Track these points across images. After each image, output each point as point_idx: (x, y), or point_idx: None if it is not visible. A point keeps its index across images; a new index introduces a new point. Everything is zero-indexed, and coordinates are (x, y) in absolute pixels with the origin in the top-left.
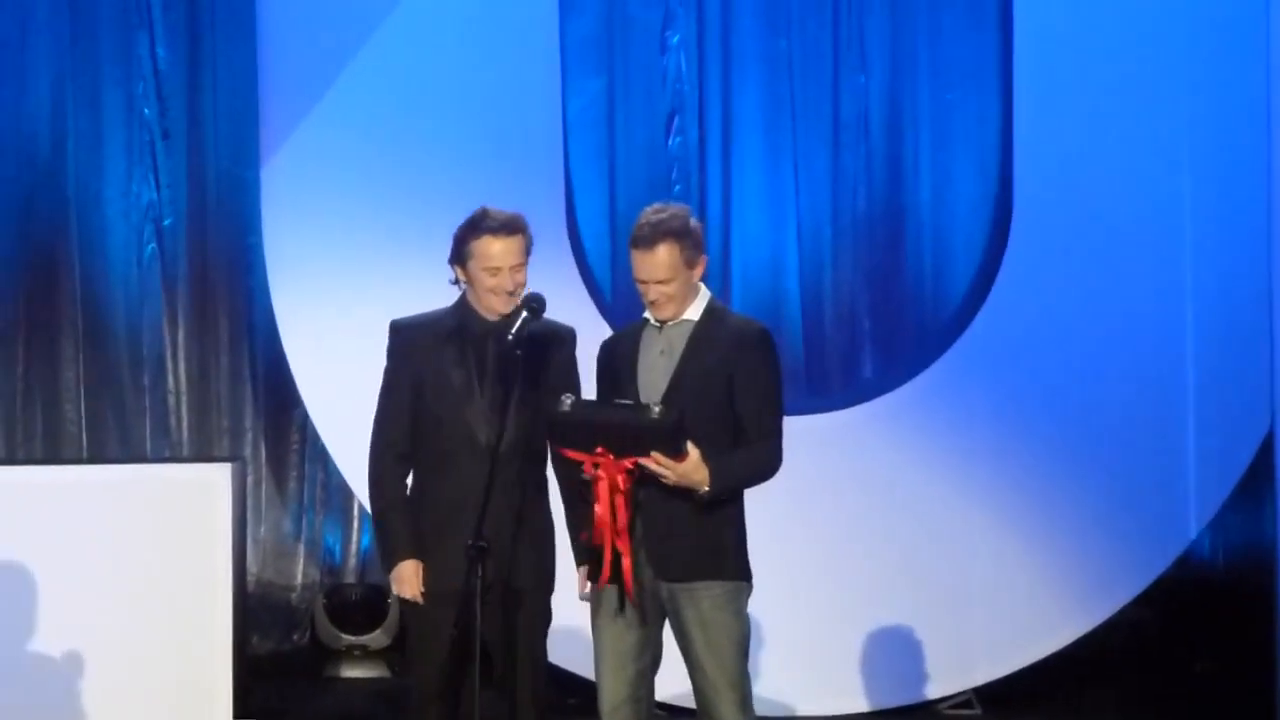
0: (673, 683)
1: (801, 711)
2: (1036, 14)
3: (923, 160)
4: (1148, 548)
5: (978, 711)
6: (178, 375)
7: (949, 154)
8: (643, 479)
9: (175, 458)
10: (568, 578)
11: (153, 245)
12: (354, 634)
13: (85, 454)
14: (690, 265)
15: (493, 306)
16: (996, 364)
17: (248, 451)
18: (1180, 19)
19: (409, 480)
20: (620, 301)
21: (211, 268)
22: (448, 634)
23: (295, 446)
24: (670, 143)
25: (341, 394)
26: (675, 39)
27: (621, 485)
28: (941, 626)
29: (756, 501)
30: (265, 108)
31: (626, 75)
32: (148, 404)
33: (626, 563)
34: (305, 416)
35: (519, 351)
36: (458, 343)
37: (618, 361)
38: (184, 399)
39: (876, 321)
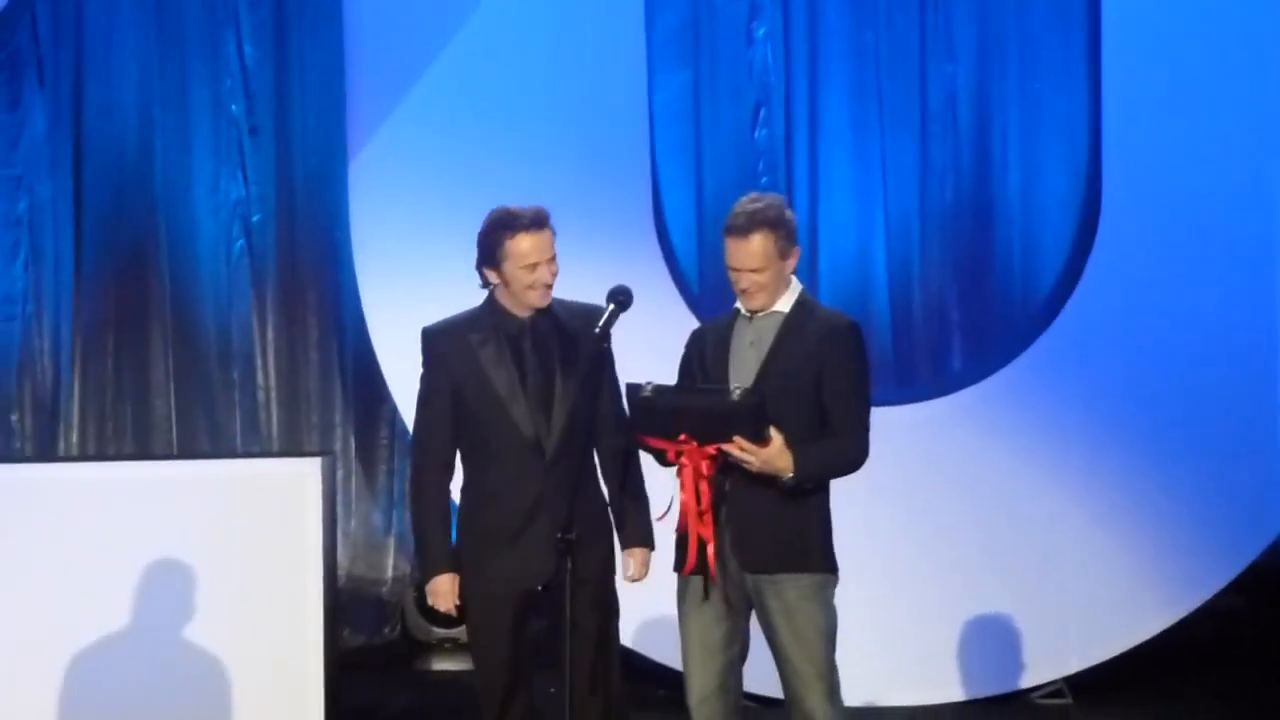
0: (762, 674)
1: (893, 703)
2: (1125, 2)
3: (1011, 151)
4: (1239, 536)
5: (1069, 701)
6: (267, 371)
7: (1037, 144)
8: (727, 466)
9: (265, 453)
10: (662, 567)
11: (241, 242)
12: (444, 627)
13: (175, 449)
14: (783, 256)
15: (532, 302)
16: (1085, 354)
17: (337, 446)
18: (1273, 11)
19: (453, 488)
20: (707, 294)
21: (300, 264)
22: (509, 635)
23: (384, 441)
24: (756, 135)
25: None
26: (761, 31)
27: (705, 471)
28: (1032, 616)
29: (845, 492)
30: (352, 103)
31: (713, 68)
32: (237, 399)
33: (711, 550)
34: (394, 411)
35: (606, 345)
36: (494, 342)
37: (707, 351)
38: (273, 394)
39: (964, 313)
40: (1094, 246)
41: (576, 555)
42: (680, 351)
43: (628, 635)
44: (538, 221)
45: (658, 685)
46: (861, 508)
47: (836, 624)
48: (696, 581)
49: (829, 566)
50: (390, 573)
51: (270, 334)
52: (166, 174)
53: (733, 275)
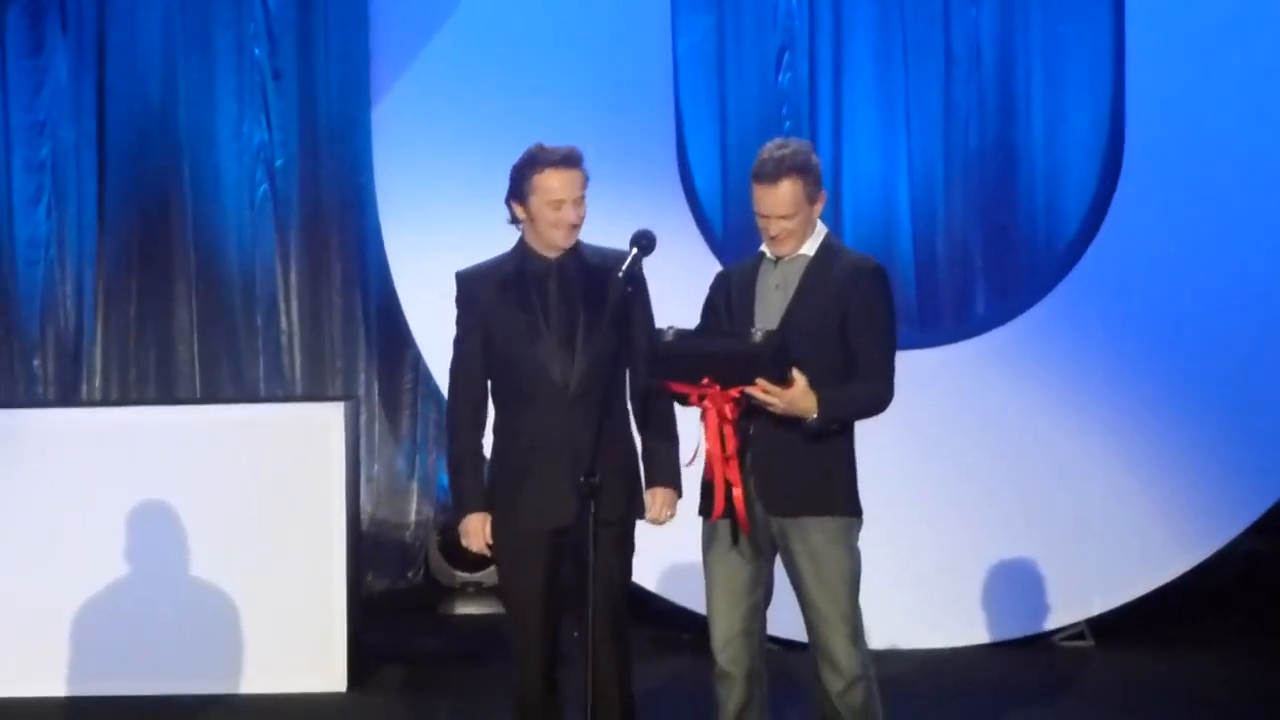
0: (785, 617)
1: (916, 645)
2: None
3: (1035, 95)
4: (1260, 478)
5: (1091, 643)
6: (290, 315)
7: (1061, 88)
8: (751, 409)
9: (289, 397)
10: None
11: (265, 186)
12: (468, 571)
13: (199, 394)
14: (811, 201)
15: (556, 241)
16: (1108, 298)
17: (361, 391)
18: None
19: (487, 427)
20: (731, 238)
21: (324, 209)
22: (537, 572)
23: (408, 386)
24: (781, 79)
25: (452, 333)
26: None
27: (729, 415)
28: (1055, 559)
29: (869, 435)
30: (376, 48)
31: (737, 11)
32: (261, 344)
33: (738, 493)
34: (417, 356)
35: (630, 289)
36: (519, 285)
37: (733, 295)
38: (297, 339)
39: (988, 257)
40: (1117, 191)
41: (600, 498)
42: (703, 295)
43: (651, 579)
44: (568, 160)
45: (683, 629)
46: (884, 450)
47: (861, 567)
48: (724, 526)
49: (854, 510)
50: (413, 517)
51: (293, 279)
52: (190, 118)
53: (761, 222)
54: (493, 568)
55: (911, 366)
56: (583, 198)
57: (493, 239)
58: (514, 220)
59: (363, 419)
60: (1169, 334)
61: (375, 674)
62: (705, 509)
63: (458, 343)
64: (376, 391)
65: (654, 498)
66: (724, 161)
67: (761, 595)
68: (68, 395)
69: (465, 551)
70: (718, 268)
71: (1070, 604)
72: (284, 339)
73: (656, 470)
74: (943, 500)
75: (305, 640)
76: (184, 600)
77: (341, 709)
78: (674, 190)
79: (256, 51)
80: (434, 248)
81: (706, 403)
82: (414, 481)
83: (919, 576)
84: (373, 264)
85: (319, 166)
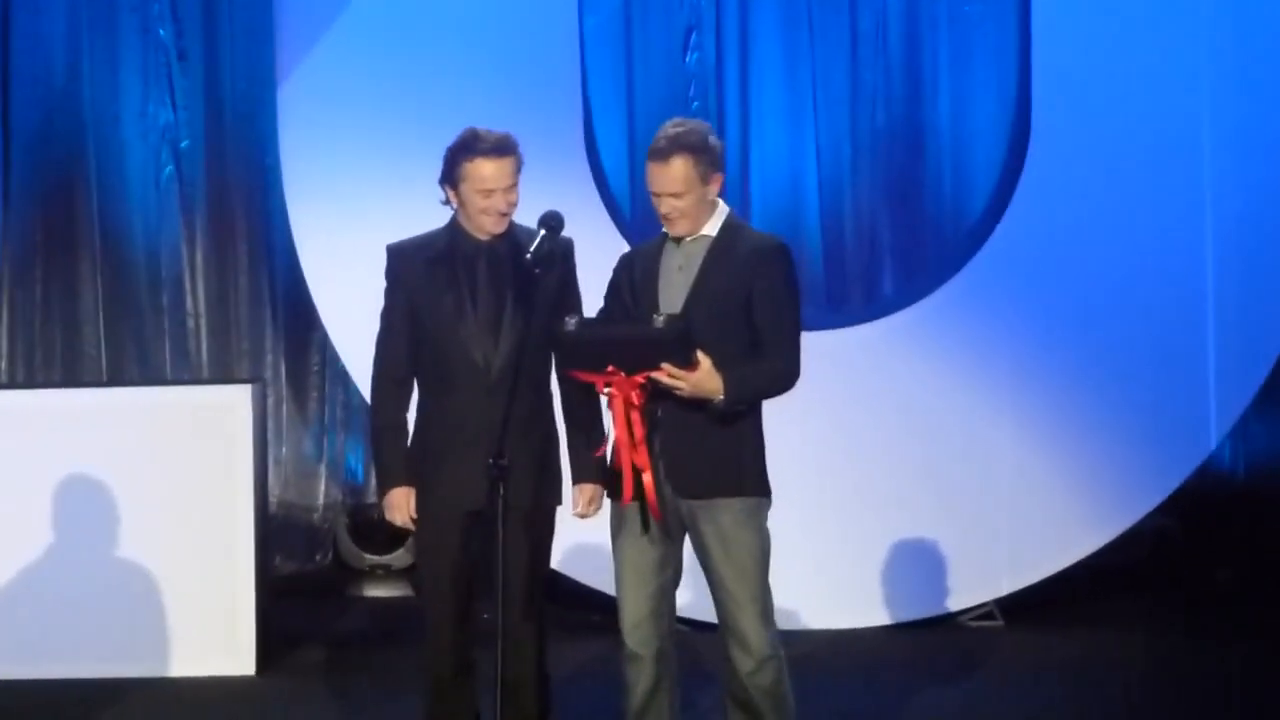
0: (695, 598)
1: (823, 626)
2: None
3: (941, 74)
4: (1168, 457)
5: (1000, 623)
6: (196, 297)
7: (968, 68)
8: (657, 394)
9: (195, 380)
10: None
11: (170, 167)
12: (376, 554)
13: (105, 377)
14: (705, 180)
15: (485, 227)
16: (1015, 278)
17: (268, 373)
18: None
19: (411, 403)
20: (639, 218)
21: (229, 189)
22: (453, 553)
23: (315, 367)
24: (688, 59)
25: (361, 314)
26: None
27: (636, 401)
28: (963, 539)
29: (776, 415)
30: (280, 28)
31: None
32: (167, 326)
33: (648, 479)
34: (325, 338)
35: (538, 270)
36: (449, 264)
37: (636, 277)
38: (203, 321)
39: (896, 236)
40: (1023, 170)
41: (509, 483)
42: (610, 275)
43: (560, 560)
44: (499, 148)
45: (591, 611)
46: (792, 431)
47: (770, 548)
48: (633, 510)
49: (762, 490)
50: (322, 499)
51: (200, 260)
52: (95, 99)
53: (654, 200)
54: (401, 550)
55: (819, 347)
56: (515, 185)
57: (400, 219)
58: (446, 202)
59: (270, 401)
60: (1076, 314)
61: (284, 657)
62: (614, 492)
63: (384, 315)
64: (284, 374)
65: (581, 493)
66: (631, 142)
67: (670, 577)
68: None
69: (374, 534)
70: (625, 248)
71: (979, 584)
72: (190, 321)
73: (583, 465)
74: (850, 481)
75: (213, 623)
76: (90, 584)
77: (250, 692)
78: (581, 170)
79: (161, 32)
80: (341, 229)
81: (612, 390)
82: (322, 464)
83: (827, 557)
84: (279, 245)
85: (224, 147)
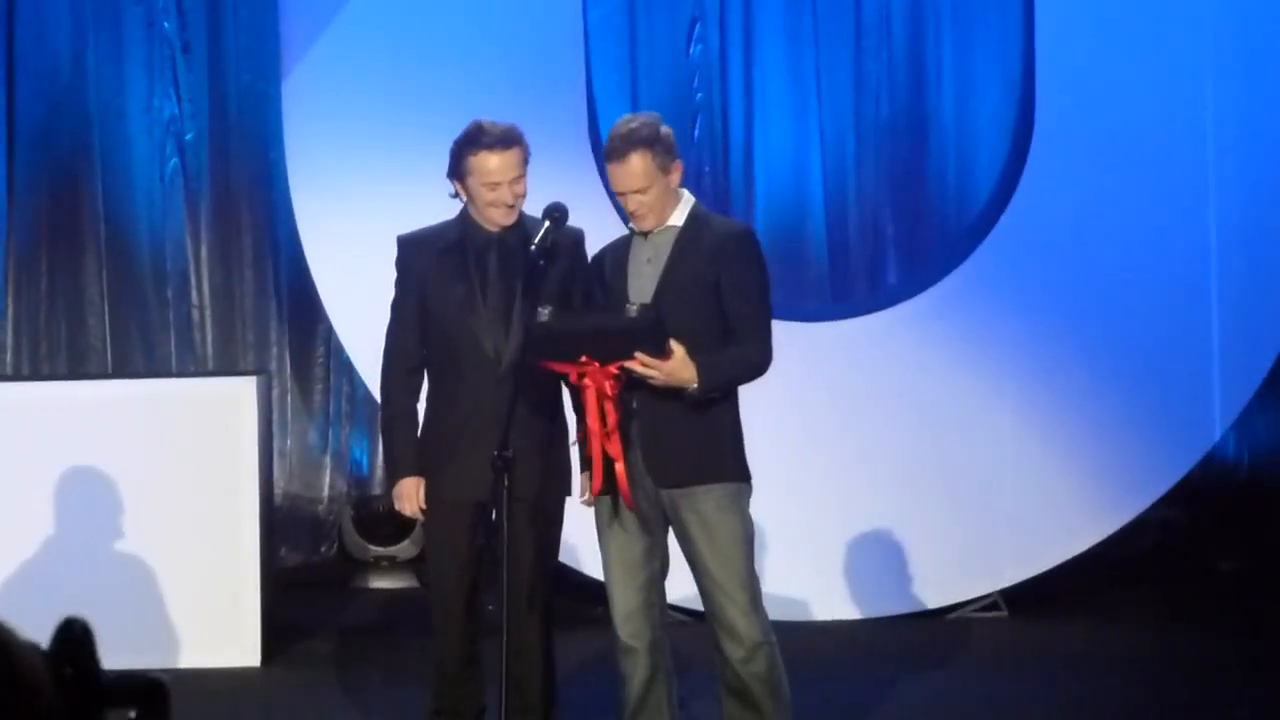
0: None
1: (829, 617)
2: None
3: (945, 65)
4: (1172, 449)
5: (1004, 614)
6: (201, 290)
7: (971, 58)
8: (632, 384)
9: (200, 372)
10: None
11: (175, 160)
12: (381, 545)
13: (110, 369)
14: (665, 171)
15: (493, 220)
16: (1020, 268)
17: (273, 365)
18: None
19: (421, 393)
20: None
21: (234, 182)
22: (461, 544)
23: (320, 359)
24: (692, 51)
25: (365, 306)
26: None
27: (609, 391)
28: (968, 530)
29: (779, 407)
30: (285, 21)
31: None
32: (172, 319)
33: (620, 468)
34: (329, 329)
35: (543, 262)
36: (459, 255)
37: (606, 273)
38: (208, 313)
39: (900, 227)
40: (1028, 161)
41: (515, 473)
42: None
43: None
44: (504, 140)
45: (597, 603)
46: (796, 422)
47: (753, 532)
48: (606, 501)
49: (743, 475)
50: (326, 491)
51: (204, 252)
52: (99, 92)
53: (620, 199)
54: (406, 542)
55: (824, 338)
56: (521, 176)
57: (404, 211)
58: (455, 195)
59: (275, 393)
60: (1081, 304)
61: (289, 648)
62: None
63: (394, 306)
64: (289, 365)
65: (586, 480)
66: None
67: (658, 567)
68: None
69: (379, 526)
70: None
71: (983, 575)
72: (195, 313)
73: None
74: (855, 472)
75: (218, 615)
76: (94, 576)
77: (255, 683)
78: (586, 162)
79: (166, 25)
80: (345, 221)
81: (586, 380)
82: (327, 455)
83: (831, 548)
84: (284, 238)
85: (229, 140)
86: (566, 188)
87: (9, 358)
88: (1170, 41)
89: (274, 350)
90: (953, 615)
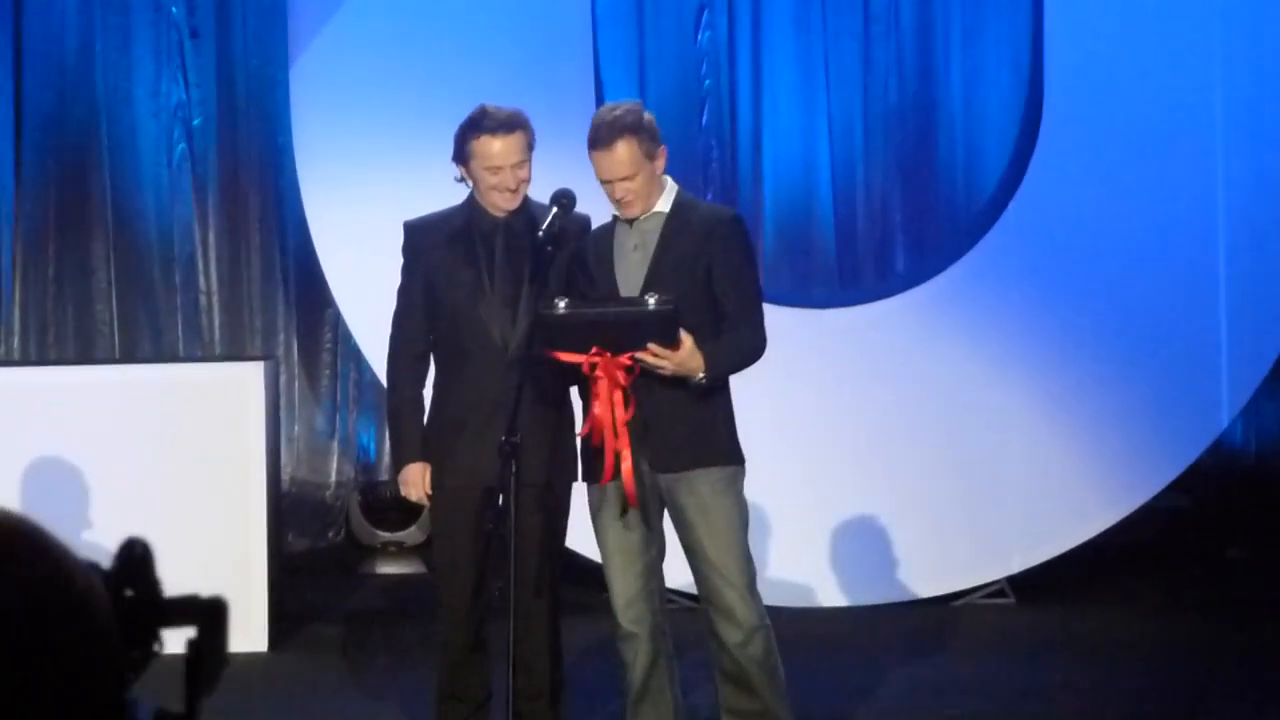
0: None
1: (834, 603)
2: None
3: (953, 52)
4: (1180, 436)
5: (1011, 600)
6: (209, 275)
7: (980, 45)
8: (640, 373)
9: (207, 357)
10: None
11: (183, 145)
12: (389, 531)
13: (117, 354)
14: (650, 157)
15: (495, 204)
16: (1028, 256)
17: (280, 351)
18: None
19: (428, 379)
20: None
21: (242, 168)
22: (468, 529)
23: (328, 345)
24: (700, 38)
25: (373, 292)
26: None
27: (622, 381)
28: (975, 517)
29: (789, 392)
30: (292, 6)
31: None
32: (179, 304)
33: (626, 464)
34: (337, 315)
35: (550, 248)
36: (466, 240)
37: (590, 262)
38: (215, 299)
39: (908, 215)
40: (1036, 147)
41: (522, 459)
42: None
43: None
44: (507, 125)
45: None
46: (804, 409)
47: (748, 517)
48: (611, 490)
49: (737, 458)
50: (334, 477)
51: (212, 238)
52: (107, 77)
53: (606, 188)
54: (413, 527)
55: (832, 325)
56: (525, 161)
57: (412, 197)
58: (461, 179)
59: (282, 379)
60: (1089, 291)
61: (296, 634)
62: (590, 473)
63: (401, 292)
64: (296, 351)
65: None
66: None
67: (656, 553)
68: None
69: (386, 511)
70: None
71: (991, 561)
72: (203, 299)
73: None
74: (863, 458)
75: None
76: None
77: (263, 669)
78: None
79: (174, 10)
80: (353, 207)
81: (598, 371)
82: (334, 441)
83: (838, 534)
84: (291, 223)
85: (237, 125)
86: (574, 174)
87: (17, 343)
88: (1179, 27)
89: (281, 336)
90: (960, 602)
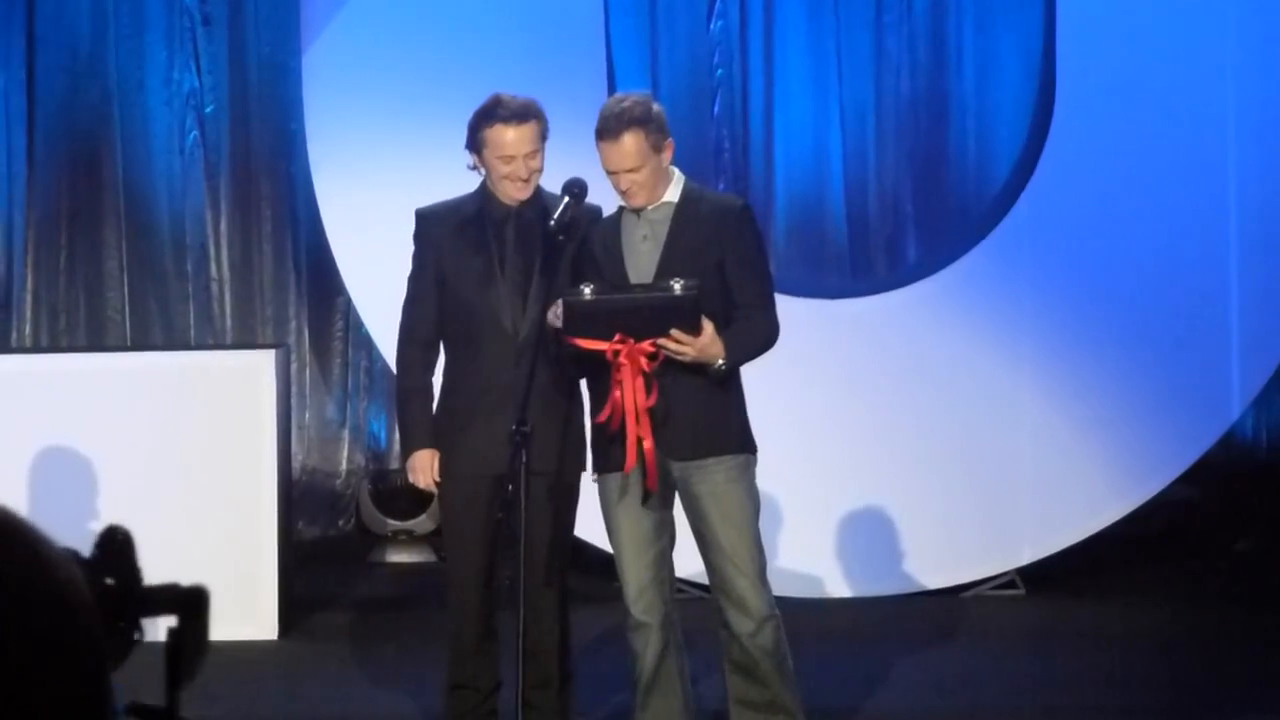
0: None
1: (844, 594)
2: None
3: (966, 42)
4: (1190, 428)
5: (1021, 592)
6: (220, 263)
7: (992, 35)
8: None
9: (219, 345)
10: None
11: (195, 133)
12: (399, 519)
13: (129, 342)
14: (657, 150)
15: (508, 194)
16: (1040, 247)
17: (291, 339)
18: None
19: (438, 366)
20: None
21: (254, 155)
22: (478, 517)
23: (339, 333)
24: (712, 27)
25: (384, 280)
26: None
27: (646, 367)
28: (985, 508)
29: (800, 383)
30: None
31: None
32: (191, 291)
33: (649, 445)
34: (348, 303)
35: (562, 237)
36: (478, 228)
37: (598, 252)
38: (227, 286)
39: (919, 205)
40: (1048, 138)
41: (533, 447)
42: None
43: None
44: (520, 115)
45: (614, 578)
46: (815, 399)
47: (760, 507)
48: (628, 478)
49: (750, 446)
50: (345, 465)
51: (224, 226)
52: (120, 64)
53: (611, 178)
54: (424, 516)
55: (843, 315)
56: (538, 151)
57: (423, 185)
58: (474, 167)
59: (294, 366)
60: (1100, 282)
61: (306, 622)
62: (602, 463)
63: (412, 279)
64: (307, 339)
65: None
66: None
67: (667, 542)
68: None
69: (397, 499)
70: None
71: (1001, 553)
72: (214, 286)
73: None
74: (873, 449)
75: (236, 588)
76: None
77: (273, 657)
78: None
79: None
80: (365, 194)
81: (622, 358)
82: (345, 429)
83: (848, 525)
84: (303, 211)
85: (249, 113)
86: (586, 164)
87: (28, 330)
88: (1192, 18)
89: (293, 324)
90: (970, 593)
